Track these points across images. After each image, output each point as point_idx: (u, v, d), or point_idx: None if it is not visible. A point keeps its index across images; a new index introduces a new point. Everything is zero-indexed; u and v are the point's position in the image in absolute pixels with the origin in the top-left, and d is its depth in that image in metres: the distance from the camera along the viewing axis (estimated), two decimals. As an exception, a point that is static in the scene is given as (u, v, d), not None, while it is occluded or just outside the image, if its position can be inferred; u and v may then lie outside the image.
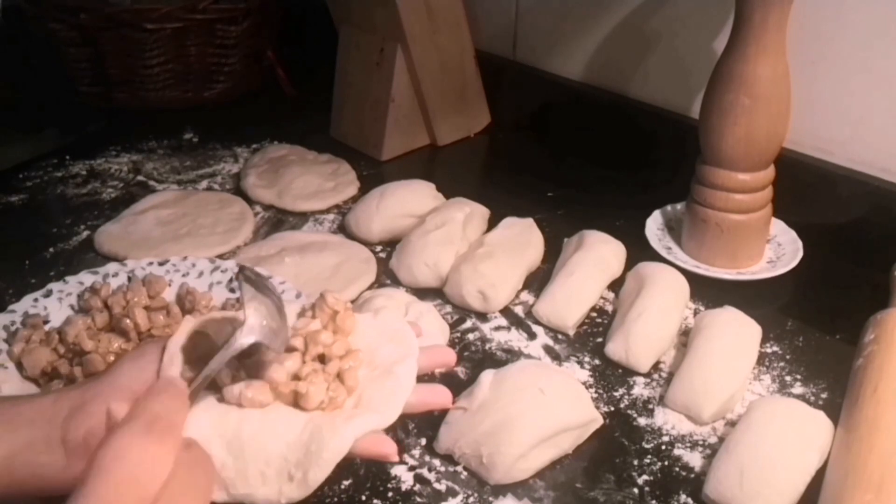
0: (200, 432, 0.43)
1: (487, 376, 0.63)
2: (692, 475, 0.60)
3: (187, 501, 0.37)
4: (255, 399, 0.44)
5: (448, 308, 0.78)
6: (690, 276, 0.78)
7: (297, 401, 0.45)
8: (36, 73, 1.20)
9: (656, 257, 0.81)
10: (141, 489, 0.35)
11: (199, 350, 0.47)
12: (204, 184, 1.01)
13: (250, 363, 0.46)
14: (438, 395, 0.49)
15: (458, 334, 0.75)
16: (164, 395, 0.41)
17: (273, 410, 0.45)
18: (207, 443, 0.42)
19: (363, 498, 0.58)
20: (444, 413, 0.63)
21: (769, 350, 0.72)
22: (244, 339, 0.44)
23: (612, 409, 0.67)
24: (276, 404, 0.45)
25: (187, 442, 0.41)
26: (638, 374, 0.70)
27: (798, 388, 0.69)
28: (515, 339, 0.75)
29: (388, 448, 0.45)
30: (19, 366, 0.63)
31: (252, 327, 0.44)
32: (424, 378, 0.50)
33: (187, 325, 0.48)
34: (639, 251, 0.83)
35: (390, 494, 0.59)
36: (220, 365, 0.44)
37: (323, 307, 0.49)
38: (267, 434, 0.43)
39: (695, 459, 0.62)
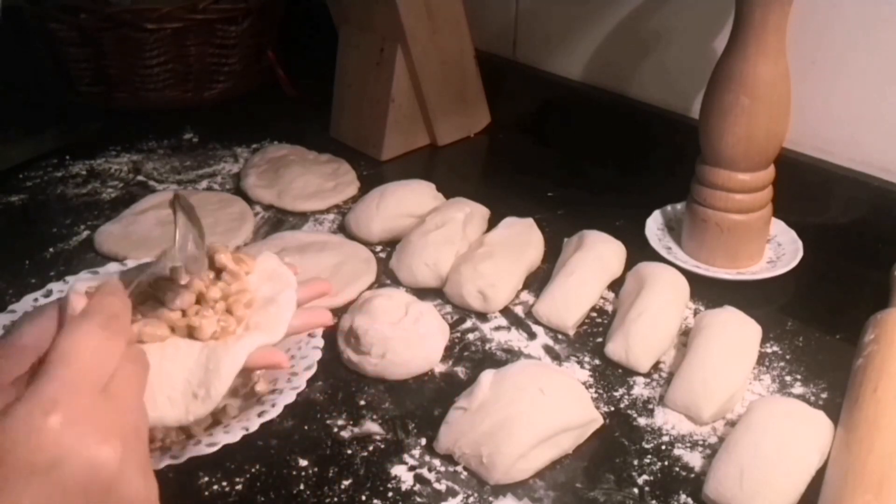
0: None
1: (487, 376, 0.63)
2: (692, 475, 0.60)
3: (130, 389, 0.42)
4: (154, 334, 0.49)
5: (448, 308, 0.78)
6: (690, 276, 0.78)
7: (191, 334, 0.51)
8: (36, 73, 1.20)
9: (656, 257, 0.82)
10: (95, 376, 0.40)
11: None
12: (204, 184, 1.01)
13: (145, 308, 0.51)
14: (319, 317, 0.57)
15: (458, 334, 0.75)
16: (114, 298, 0.45)
17: (171, 344, 0.50)
18: None
19: (363, 498, 0.58)
20: (444, 413, 0.63)
21: (769, 350, 0.72)
22: (173, 261, 0.50)
23: (612, 409, 0.67)
24: (173, 338, 0.50)
25: (129, 339, 0.45)
26: (638, 374, 0.70)
27: (798, 388, 0.69)
28: (515, 339, 0.75)
29: (278, 357, 0.52)
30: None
31: (182, 248, 0.50)
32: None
33: (80, 284, 0.50)
34: (639, 251, 0.83)
35: (390, 494, 0.59)
36: (151, 277, 0.50)
37: (215, 259, 0.55)
38: (169, 363, 0.49)
39: (695, 459, 0.62)
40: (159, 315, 0.50)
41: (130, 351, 0.44)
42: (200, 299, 0.52)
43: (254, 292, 0.55)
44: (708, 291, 0.79)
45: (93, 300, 0.44)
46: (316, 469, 0.61)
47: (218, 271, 0.55)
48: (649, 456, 0.62)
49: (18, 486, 0.36)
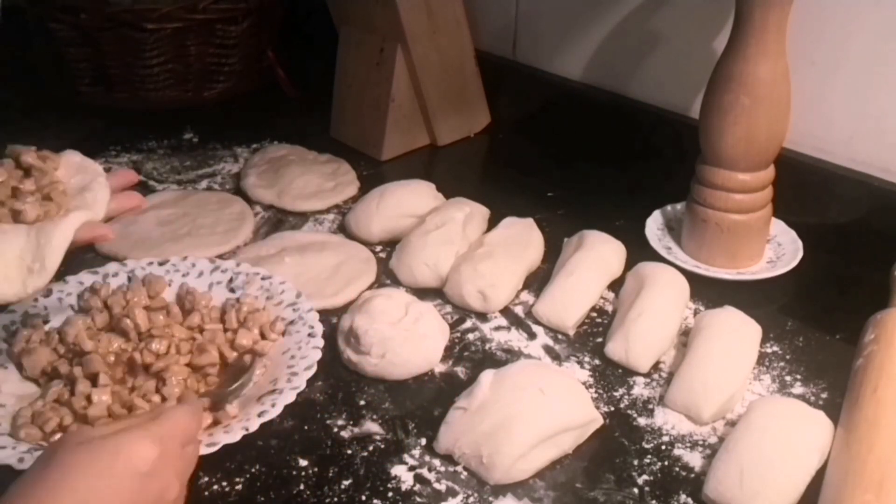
0: None
1: (487, 376, 0.63)
2: (692, 475, 0.60)
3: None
4: None
5: (448, 308, 0.78)
6: (690, 276, 0.78)
7: (16, 219, 0.54)
8: (36, 73, 1.20)
9: (656, 257, 0.81)
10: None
11: None
12: (204, 184, 1.01)
13: None
14: (132, 199, 0.61)
15: (458, 334, 0.75)
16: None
17: None
18: None
19: (363, 498, 0.58)
20: (444, 413, 0.63)
21: (769, 350, 0.72)
22: None
23: (612, 409, 0.67)
24: None
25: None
26: (638, 374, 0.70)
27: (798, 388, 0.69)
28: (515, 339, 0.75)
29: (103, 230, 0.57)
30: (19, 366, 0.63)
31: None
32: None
33: (84, 273, 0.58)
34: (639, 251, 0.83)
35: (390, 494, 0.59)
36: None
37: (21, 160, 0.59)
38: None
39: (695, 459, 0.62)
40: None
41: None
42: (16, 192, 0.56)
43: (66, 183, 0.58)
44: (708, 291, 0.79)
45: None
46: (316, 469, 0.61)
47: (26, 171, 0.58)
48: (649, 456, 0.62)
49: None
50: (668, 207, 0.90)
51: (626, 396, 0.68)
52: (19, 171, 0.58)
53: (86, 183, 0.59)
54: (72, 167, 0.60)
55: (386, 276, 0.83)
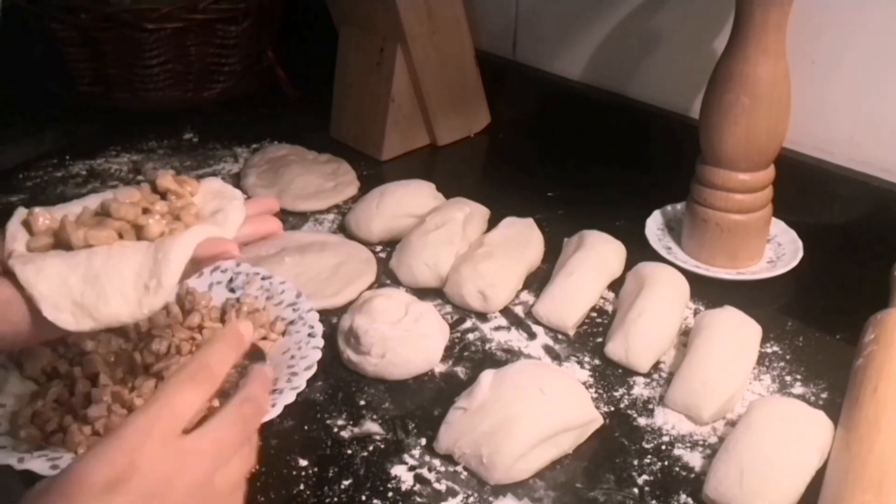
0: (49, 278, 0.47)
1: (487, 376, 0.63)
2: (692, 475, 0.60)
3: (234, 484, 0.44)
4: (99, 235, 0.49)
5: (448, 308, 0.78)
6: (690, 276, 0.78)
7: (139, 235, 0.51)
8: (36, 73, 1.20)
9: (656, 257, 0.81)
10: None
11: (39, 226, 0.51)
12: (204, 184, 1.01)
13: (93, 222, 0.51)
14: (268, 224, 0.56)
15: (458, 334, 0.75)
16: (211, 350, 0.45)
17: (119, 245, 0.50)
18: (59, 282, 0.47)
19: (363, 498, 0.58)
20: (444, 413, 0.63)
21: (769, 350, 0.72)
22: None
23: (612, 409, 0.67)
24: (120, 242, 0.50)
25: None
26: (638, 374, 0.70)
27: (798, 388, 0.69)
28: (515, 339, 0.75)
29: (227, 245, 0.50)
30: (19, 366, 0.63)
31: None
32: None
33: (21, 210, 0.52)
34: (639, 251, 0.83)
35: (390, 494, 0.59)
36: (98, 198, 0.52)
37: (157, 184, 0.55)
38: (117, 259, 0.48)
39: (695, 459, 0.62)
40: (105, 223, 0.50)
41: (231, 412, 0.44)
42: (146, 213, 0.52)
43: (200, 208, 0.55)
44: (708, 291, 0.79)
45: (195, 355, 0.45)
46: (316, 469, 0.61)
47: (162, 195, 0.54)
48: (649, 456, 0.62)
49: None
50: (668, 207, 0.90)
51: (626, 396, 0.68)
52: (155, 195, 0.54)
53: (221, 206, 0.55)
54: (210, 193, 0.56)
55: (386, 276, 0.83)
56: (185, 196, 0.55)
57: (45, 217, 0.51)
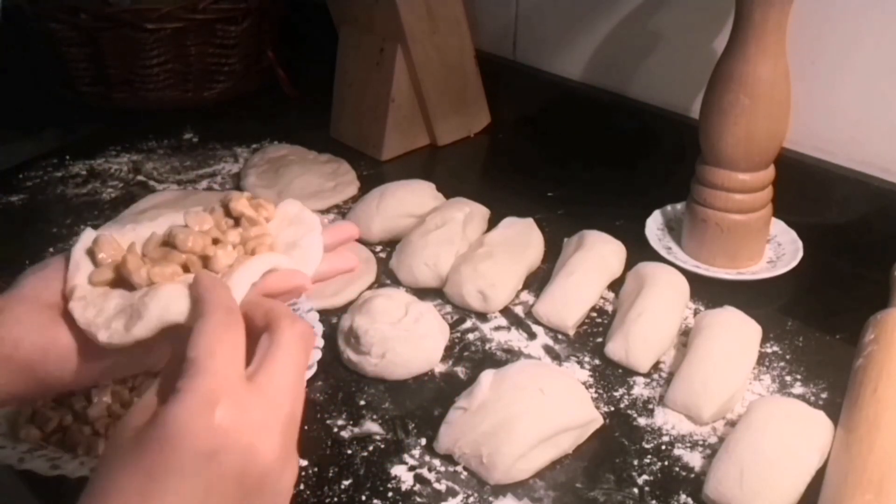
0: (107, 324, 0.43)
1: (487, 376, 0.63)
2: (692, 475, 0.60)
3: (284, 378, 0.40)
4: (163, 272, 0.45)
5: (448, 308, 0.78)
6: (690, 276, 0.78)
7: (206, 265, 0.46)
8: (36, 73, 1.20)
9: (656, 257, 0.81)
10: (241, 368, 0.39)
11: (102, 259, 0.48)
12: (204, 184, 1.01)
13: (158, 255, 0.48)
14: (346, 261, 0.53)
15: (458, 334, 0.75)
16: (224, 290, 0.43)
17: (181, 279, 0.46)
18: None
19: (363, 498, 0.58)
20: (444, 413, 0.63)
21: (769, 350, 0.72)
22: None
23: (612, 409, 0.67)
24: (183, 276, 0.46)
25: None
26: (638, 374, 0.70)
27: (798, 388, 0.69)
28: (515, 339, 0.75)
29: (300, 279, 0.47)
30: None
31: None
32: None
33: (88, 234, 0.48)
34: (639, 251, 0.83)
35: (390, 494, 0.59)
36: (166, 228, 0.48)
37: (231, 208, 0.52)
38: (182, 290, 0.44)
39: (695, 459, 0.62)
40: (169, 257, 0.47)
41: (288, 339, 0.41)
42: (218, 243, 0.48)
43: (275, 237, 0.50)
44: (708, 291, 0.79)
45: (208, 296, 0.42)
46: (316, 469, 0.61)
47: (236, 220, 0.50)
48: (649, 456, 0.62)
49: (179, 473, 0.36)
50: (668, 207, 0.90)
51: (626, 396, 0.68)
52: (228, 220, 0.50)
53: (298, 237, 0.51)
54: (285, 220, 0.52)
55: (386, 276, 0.83)
56: (261, 223, 0.50)
57: (109, 246, 0.47)
